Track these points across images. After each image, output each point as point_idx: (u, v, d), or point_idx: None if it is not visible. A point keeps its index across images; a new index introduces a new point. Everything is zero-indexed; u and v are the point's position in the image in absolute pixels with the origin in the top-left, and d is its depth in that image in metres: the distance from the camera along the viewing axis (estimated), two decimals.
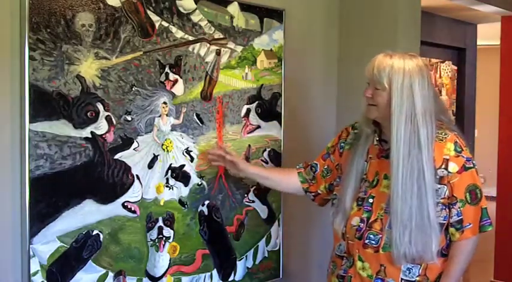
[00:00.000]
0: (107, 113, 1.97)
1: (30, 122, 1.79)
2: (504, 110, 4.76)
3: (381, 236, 1.94)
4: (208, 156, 2.26)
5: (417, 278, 1.96)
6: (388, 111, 1.90)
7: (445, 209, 1.94)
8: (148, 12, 2.07)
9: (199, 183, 2.28)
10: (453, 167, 1.93)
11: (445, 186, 1.93)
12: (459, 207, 1.93)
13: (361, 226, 1.98)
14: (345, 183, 2.06)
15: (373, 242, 1.95)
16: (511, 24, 4.70)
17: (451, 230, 1.95)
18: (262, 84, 2.49)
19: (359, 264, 1.98)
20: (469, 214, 1.93)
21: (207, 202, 2.31)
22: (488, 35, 7.12)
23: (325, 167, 2.22)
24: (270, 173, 2.36)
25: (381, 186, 1.99)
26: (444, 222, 1.94)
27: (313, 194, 2.25)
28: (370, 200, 2.00)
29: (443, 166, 1.93)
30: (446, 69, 7.05)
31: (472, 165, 1.94)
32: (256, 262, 2.52)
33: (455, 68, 7.17)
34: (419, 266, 1.95)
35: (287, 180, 2.29)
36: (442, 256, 1.98)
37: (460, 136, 1.98)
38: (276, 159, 2.55)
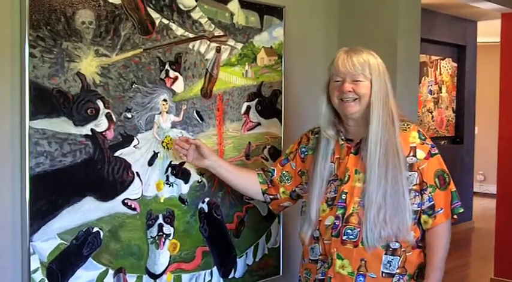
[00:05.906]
0: (107, 110, 1.97)
1: (30, 119, 1.79)
2: (504, 107, 4.76)
3: (359, 229, 1.95)
4: (174, 146, 2.14)
5: (397, 271, 1.97)
6: (367, 102, 1.97)
7: (418, 195, 1.99)
8: (149, 9, 2.07)
9: (200, 180, 2.28)
10: (420, 153, 2.00)
11: (416, 173, 1.99)
12: (430, 193, 1.99)
13: (337, 223, 1.98)
14: (311, 188, 2.06)
15: (351, 236, 1.95)
16: (511, 22, 4.69)
17: (424, 217, 2.00)
18: (262, 82, 2.49)
19: (338, 262, 1.97)
20: (440, 199, 2.00)
21: (207, 199, 2.31)
22: (488, 32, 7.13)
23: (283, 172, 2.21)
24: (233, 168, 2.26)
25: (353, 181, 2.00)
26: (418, 209, 1.99)
27: (271, 196, 2.23)
28: (344, 196, 1.99)
29: (411, 154, 2.00)
30: (447, 66, 7.05)
31: (436, 152, 2.03)
32: (257, 259, 2.52)
33: (456, 65, 7.17)
34: (398, 258, 1.96)
35: (248, 179, 2.24)
36: (418, 248, 2.01)
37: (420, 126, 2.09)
38: (276, 156, 2.54)
